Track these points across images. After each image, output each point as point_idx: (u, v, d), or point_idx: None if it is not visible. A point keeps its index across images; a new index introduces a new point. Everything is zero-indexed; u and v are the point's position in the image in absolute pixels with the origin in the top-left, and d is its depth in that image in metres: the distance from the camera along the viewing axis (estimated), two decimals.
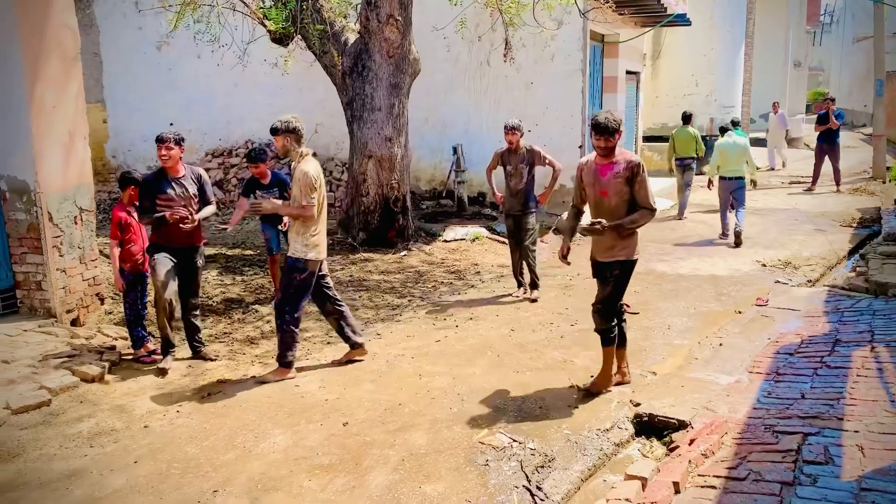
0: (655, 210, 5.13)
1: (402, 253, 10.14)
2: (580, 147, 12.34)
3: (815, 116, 16.71)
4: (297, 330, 5.74)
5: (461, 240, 10.74)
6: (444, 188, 12.56)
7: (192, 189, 6.03)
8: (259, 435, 4.76)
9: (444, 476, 4.23)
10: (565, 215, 5.96)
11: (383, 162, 10.28)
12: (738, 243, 10.54)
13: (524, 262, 8.03)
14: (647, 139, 19.45)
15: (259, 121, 13.79)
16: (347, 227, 10.83)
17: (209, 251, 10.05)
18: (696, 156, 12.93)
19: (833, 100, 16.57)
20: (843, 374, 5.33)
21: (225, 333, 6.84)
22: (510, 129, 7.78)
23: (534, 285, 8.03)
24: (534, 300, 7.86)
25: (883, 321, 6.46)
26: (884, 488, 3.61)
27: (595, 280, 5.35)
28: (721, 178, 11.09)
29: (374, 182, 10.35)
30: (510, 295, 8.11)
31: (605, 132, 5.01)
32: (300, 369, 5.90)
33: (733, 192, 10.91)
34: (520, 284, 8.15)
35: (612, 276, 5.20)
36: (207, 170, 13.67)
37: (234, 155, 13.84)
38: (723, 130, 11.60)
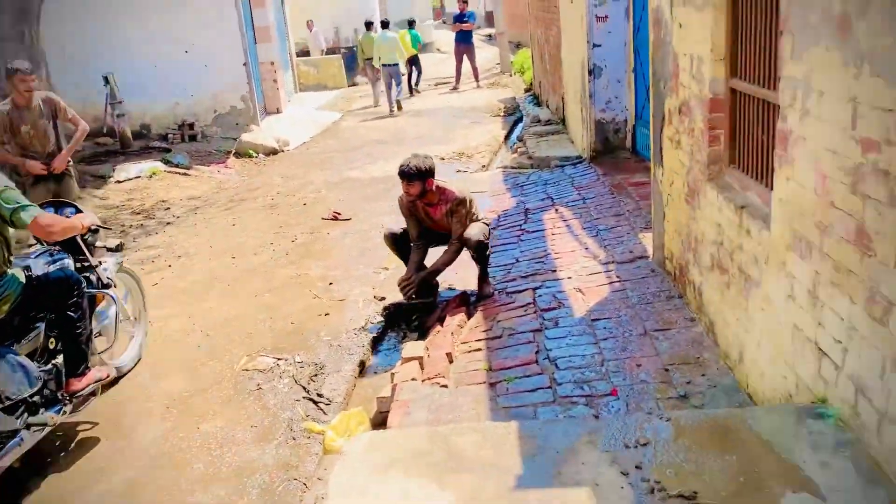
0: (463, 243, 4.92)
1: None
2: (244, 65, 11.85)
3: (440, 21, 18.00)
4: None
5: (136, 178, 9.78)
6: (104, 125, 11.19)
7: None
8: None
9: (218, 412, 4.03)
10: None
11: None
12: (399, 108, 14.51)
13: None
14: (299, 54, 19.32)
15: None
16: None
17: None
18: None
19: (466, 2, 17.98)
20: (541, 235, 6.11)
21: None
22: (18, 74, 5.64)
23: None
24: None
25: (555, 188, 7.47)
26: (608, 316, 4.30)
27: None
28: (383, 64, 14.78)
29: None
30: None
31: (405, 177, 4.85)
32: None
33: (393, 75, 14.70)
34: None
35: None
36: None
37: None
38: (384, 24, 15.58)
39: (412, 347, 4.27)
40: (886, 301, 2.10)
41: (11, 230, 3.53)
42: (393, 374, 4.09)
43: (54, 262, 3.89)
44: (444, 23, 18.28)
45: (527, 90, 15.51)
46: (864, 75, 2.13)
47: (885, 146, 2.06)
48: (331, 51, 20.94)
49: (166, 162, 10.33)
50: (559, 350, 3.98)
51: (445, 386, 3.77)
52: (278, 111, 13.60)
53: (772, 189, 2.90)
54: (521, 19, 18.71)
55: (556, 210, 6.68)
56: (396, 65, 14.78)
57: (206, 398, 4.18)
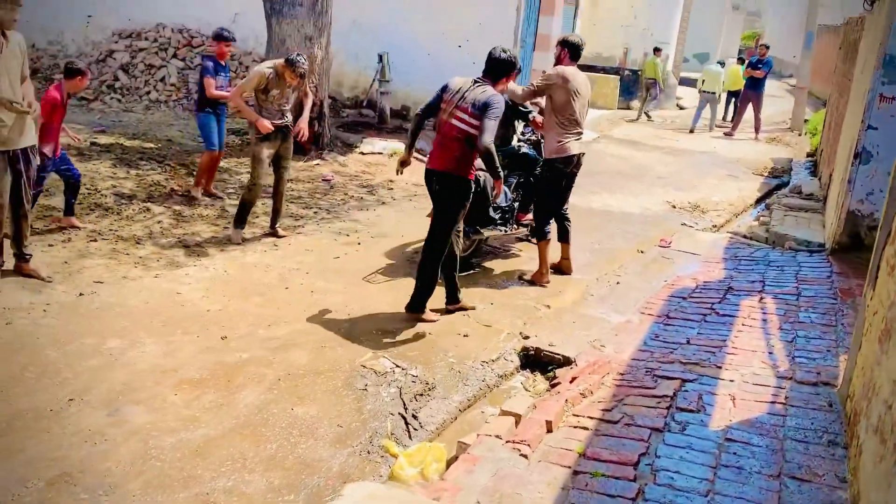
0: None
1: (315, 161, 9.75)
2: None
3: (747, 62, 16.90)
4: None
5: (378, 153, 10.39)
6: (366, 97, 12.06)
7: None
8: (129, 342, 4.50)
9: (319, 398, 4.10)
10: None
11: None
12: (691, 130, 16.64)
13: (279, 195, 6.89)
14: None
15: (174, 4, 12.83)
16: None
17: (106, 140, 9.41)
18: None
19: (767, 47, 16.67)
20: (730, 322, 5.43)
21: (110, 230, 6.42)
22: (292, 64, 6.28)
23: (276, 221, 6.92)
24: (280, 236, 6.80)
25: (775, 272, 6.60)
26: (746, 440, 3.68)
27: None
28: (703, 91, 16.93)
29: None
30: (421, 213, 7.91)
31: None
32: (185, 276, 5.63)
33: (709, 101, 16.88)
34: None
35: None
36: (112, 52, 12.73)
37: (143, 38, 12.85)
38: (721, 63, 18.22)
39: (517, 401, 4.00)
40: None
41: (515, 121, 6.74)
42: (487, 421, 3.87)
43: (529, 149, 6.83)
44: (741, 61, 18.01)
45: (809, 155, 13.98)
46: None
47: None
48: (614, 70, 20.54)
49: None
50: (668, 461, 3.48)
51: (526, 456, 3.47)
52: None
53: None
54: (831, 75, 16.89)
55: (762, 298, 5.89)
56: (714, 93, 16.76)
57: (315, 381, 4.27)
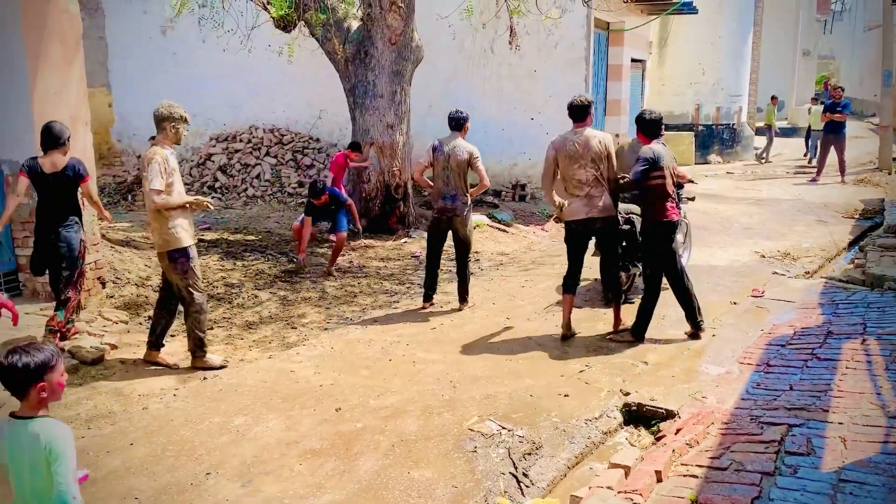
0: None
1: (403, 240, 10.20)
2: None
3: (823, 105, 16.79)
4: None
5: None
6: None
7: None
8: (253, 419, 4.85)
9: (432, 462, 4.30)
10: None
11: (385, 149, 10.33)
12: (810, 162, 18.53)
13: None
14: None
15: (263, 107, 13.85)
16: None
17: (211, 236, 10.14)
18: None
19: (842, 89, 16.47)
20: (833, 366, 5.37)
21: (224, 318, 6.92)
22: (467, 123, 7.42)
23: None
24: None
25: (876, 314, 6.48)
26: (862, 480, 3.66)
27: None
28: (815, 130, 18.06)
29: (375, 169, 10.40)
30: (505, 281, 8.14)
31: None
32: (297, 354, 6.01)
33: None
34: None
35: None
36: (210, 155, 13.75)
37: (238, 140, 13.87)
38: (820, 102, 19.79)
39: (625, 453, 4.10)
40: None
41: None
42: (597, 475, 3.98)
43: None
44: (817, 100, 19.30)
45: None
46: None
47: None
48: (688, 127, 20.62)
49: (491, 217, 11.18)
50: (783, 503, 3.50)
51: None
52: None
53: None
54: None
55: (864, 341, 5.80)
56: (819, 130, 17.37)
57: (427, 446, 4.48)
